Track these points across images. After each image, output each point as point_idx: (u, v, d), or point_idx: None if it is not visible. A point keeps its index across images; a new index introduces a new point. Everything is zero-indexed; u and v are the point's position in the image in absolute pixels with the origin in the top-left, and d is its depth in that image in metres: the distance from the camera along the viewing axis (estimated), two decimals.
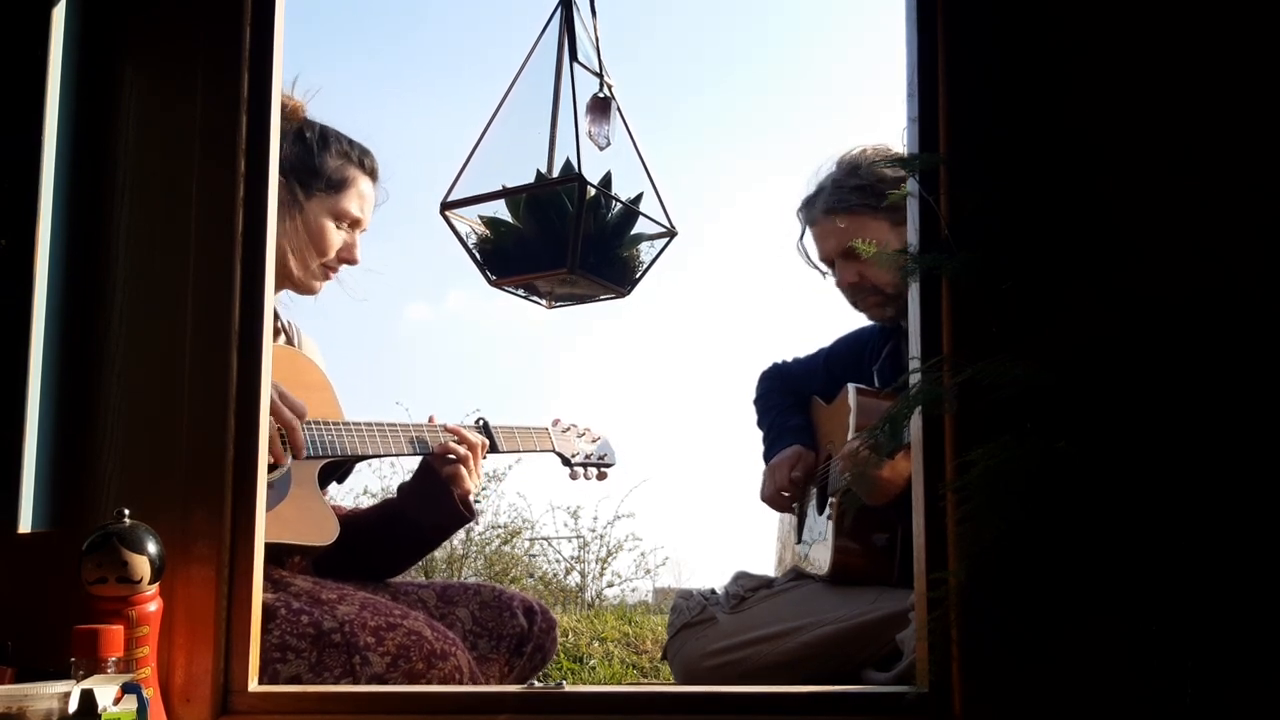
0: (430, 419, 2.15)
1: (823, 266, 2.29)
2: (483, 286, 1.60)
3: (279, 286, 2.05)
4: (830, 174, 2.23)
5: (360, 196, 2.08)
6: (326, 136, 2.07)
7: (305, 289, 2.07)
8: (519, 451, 2.37)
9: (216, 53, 1.44)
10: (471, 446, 2.10)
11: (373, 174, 2.12)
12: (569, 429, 2.47)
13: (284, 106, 2.04)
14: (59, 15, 1.36)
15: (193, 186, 1.42)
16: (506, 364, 9.45)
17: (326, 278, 2.08)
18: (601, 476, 2.51)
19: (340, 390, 2.05)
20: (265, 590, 1.70)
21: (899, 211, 1.66)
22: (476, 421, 2.26)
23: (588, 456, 2.48)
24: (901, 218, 1.54)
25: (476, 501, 2.19)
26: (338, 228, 2.05)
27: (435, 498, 2.07)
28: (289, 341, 2.12)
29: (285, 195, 1.98)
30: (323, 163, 2.04)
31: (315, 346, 2.19)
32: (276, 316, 2.09)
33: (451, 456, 2.07)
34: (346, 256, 2.08)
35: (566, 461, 2.45)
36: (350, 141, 2.10)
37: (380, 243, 2.27)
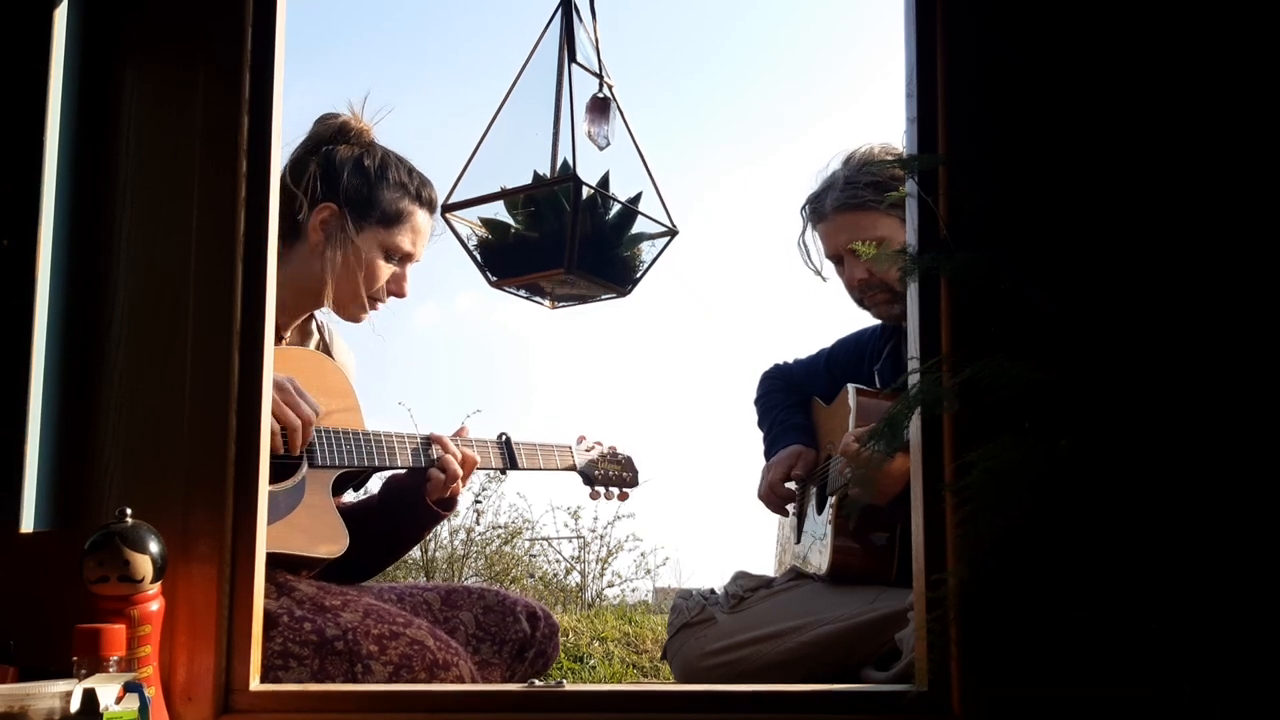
0: (461, 429, 2.13)
1: (820, 265, 2.29)
2: (492, 289, 1.60)
3: (314, 306, 2.02)
4: (841, 170, 2.22)
5: (414, 231, 2.03)
6: (386, 166, 2.01)
7: (346, 317, 2.03)
8: (540, 469, 2.29)
9: (218, 53, 1.44)
10: (465, 463, 2.07)
11: (430, 206, 2.06)
12: (593, 447, 2.42)
13: (350, 128, 2.01)
14: (60, 16, 1.36)
15: (194, 187, 1.43)
16: (511, 365, 9.46)
17: (372, 308, 2.03)
18: (624, 497, 2.46)
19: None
20: (268, 594, 1.70)
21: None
22: (498, 437, 2.22)
23: (609, 476, 2.42)
24: None
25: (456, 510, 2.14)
26: (388, 261, 2.01)
27: (411, 504, 2.05)
28: (323, 343, 2.10)
29: (337, 225, 1.95)
30: (379, 194, 1.98)
31: (348, 351, 2.16)
32: (312, 318, 2.07)
33: (442, 474, 2.03)
34: (395, 290, 2.04)
35: (589, 480, 2.39)
36: (410, 171, 2.04)
37: None
